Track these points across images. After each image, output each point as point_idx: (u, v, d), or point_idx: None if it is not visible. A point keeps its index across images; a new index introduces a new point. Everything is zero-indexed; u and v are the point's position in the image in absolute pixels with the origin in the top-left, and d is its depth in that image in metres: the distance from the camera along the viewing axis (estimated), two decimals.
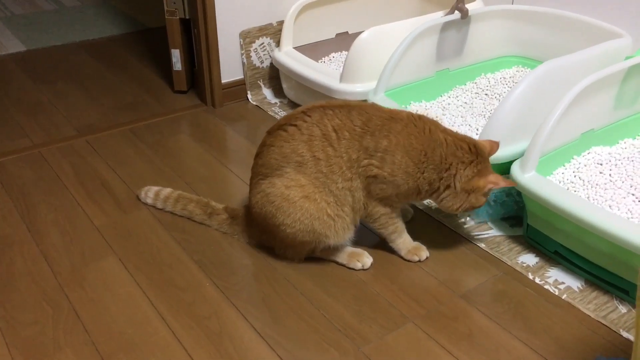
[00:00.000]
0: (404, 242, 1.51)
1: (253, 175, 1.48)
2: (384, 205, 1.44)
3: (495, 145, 1.45)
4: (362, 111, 1.41)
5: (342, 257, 1.49)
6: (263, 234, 1.51)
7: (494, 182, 1.40)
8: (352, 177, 1.39)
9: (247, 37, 2.29)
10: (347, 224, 1.44)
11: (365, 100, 1.91)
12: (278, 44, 2.33)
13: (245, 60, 2.31)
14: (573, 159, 1.62)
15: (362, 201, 1.42)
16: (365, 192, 1.41)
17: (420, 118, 1.42)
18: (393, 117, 1.40)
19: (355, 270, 1.48)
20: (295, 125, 1.41)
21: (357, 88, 1.98)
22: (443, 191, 1.41)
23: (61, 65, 2.69)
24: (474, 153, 1.39)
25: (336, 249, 1.48)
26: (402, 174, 1.38)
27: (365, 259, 1.49)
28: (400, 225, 1.49)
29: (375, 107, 1.44)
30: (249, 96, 2.36)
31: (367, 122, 1.39)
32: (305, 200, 1.39)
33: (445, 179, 1.39)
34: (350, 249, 1.50)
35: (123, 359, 1.25)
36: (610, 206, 1.46)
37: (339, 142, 1.38)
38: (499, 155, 1.56)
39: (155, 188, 1.71)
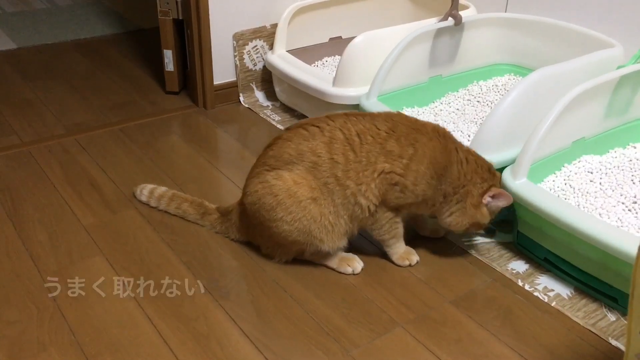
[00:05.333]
0: (398, 247, 1.51)
1: (258, 165, 1.46)
2: (392, 210, 1.44)
3: (500, 175, 1.49)
4: (387, 118, 1.43)
5: (332, 261, 1.48)
6: (252, 228, 1.49)
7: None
8: (367, 182, 1.38)
9: (241, 39, 2.28)
10: (343, 232, 1.44)
11: (357, 105, 1.92)
12: (271, 46, 2.32)
13: (238, 63, 2.31)
14: (564, 166, 1.62)
15: (374, 209, 1.42)
16: (380, 199, 1.41)
17: (445, 135, 1.44)
18: (419, 129, 1.42)
19: (346, 274, 1.47)
20: (317, 127, 1.41)
21: (349, 92, 1.98)
22: (454, 205, 1.43)
23: (52, 64, 2.67)
24: (492, 173, 1.44)
25: (327, 253, 1.47)
26: (424, 185, 1.40)
27: (356, 263, 1.48)
28: (400, 230, 1.49)
29: (402, 116, 1.46)
30: (241, 98, 2.35)
31: (393, 127, 1.41)
32: (312, 202, 1.38)
33: (460, 195, 1.42)
34: (341, 254, 1.49)
35: None
36: (600, 214, 1.47)
37: (361, 146, 1.38)
38: (491, 162, 1.56)
39: (150, 186, 1.70)
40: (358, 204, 1.40)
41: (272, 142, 1.46)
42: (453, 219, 1.44)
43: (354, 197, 1.39)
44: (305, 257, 1.48)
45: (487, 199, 1.42)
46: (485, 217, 1.44)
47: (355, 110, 1.57)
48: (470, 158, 1.43)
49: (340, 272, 1.47)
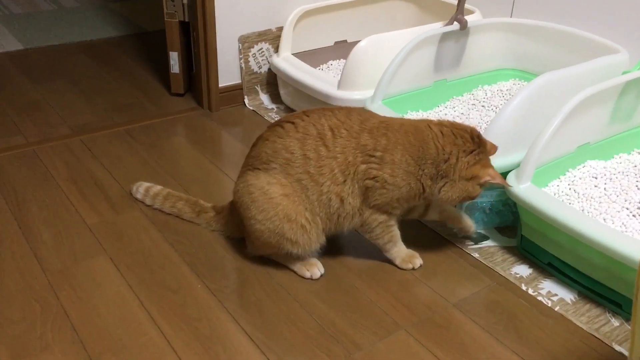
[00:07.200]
0: (398, 250, 1.50)
1: (244, 164, 1.48)
2: (382, 213, 1.42)
3: (493, 148, 1.45)
4: (361, 111, 1.43)
5: (294, 265, 1.47)
6: (241, 223, 1.49)
7: (492, 175, 1.39)
8: (345, 181, 1.37)
9: (246, 42, 2.29)
10: (319, 233, 1.42)
11: (362, 108, 1.92)
12: (277, 49, 2.33)
13: (243, 65, 2.31)
14: (568, 171, 1.62)
15: (358, 207, 1.41)
16: (363, 198, 1.40)
17: (416, 119, 1.42)
18: (390, 118, 1.42)
19: (304, 278, 1.46)
20: (292, 123, 1.40)
21: (354, 95, 1.98)
22: (441, 180, 1.38)
23: (58, 65, 2.68)
24: (477, 143, 1.39)
25: (298, 258, 1.45)
26: (402, 174, 1.36)
27: (316, 269, 1.46)
28: (396, 233, 1.48)
29: (373, 112, 1.45)
30: (246, 101, 2.36)
31: (364, 120, 1.39)
32: (285, 198, 1.37)
33: (444, 170, 1.37)
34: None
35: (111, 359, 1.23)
36: (604, 219, 1.46)
37: (334, 140, 1.37)
38: (496, 166, 1.56)
39: (146, 184, 1.71)
40: (343, 203, 1.38)
41: (255, 142, 1.47)
42: (443, 194, 1.39)
43: (332, 195, 1.37)
44: (272, 257, 1.48)
45: (486, 177, 1.38)
46: (476, 190, 1.40)
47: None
48: (446, 130, 1.37)
49: (299, 276, 1.46)
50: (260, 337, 1.30)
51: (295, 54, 2.27)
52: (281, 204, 1.37)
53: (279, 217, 1.37)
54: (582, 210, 1.50)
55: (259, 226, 1.40)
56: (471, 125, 1.42)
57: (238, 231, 1.54)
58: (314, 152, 1.36)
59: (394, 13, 2.50)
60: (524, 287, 1.45)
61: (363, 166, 1.36)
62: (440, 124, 1.40)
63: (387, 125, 1.39)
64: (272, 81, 2.38)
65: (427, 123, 1.40)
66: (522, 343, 1.30)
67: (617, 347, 1.29)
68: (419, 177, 1.38)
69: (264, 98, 2.39)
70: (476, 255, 1.55)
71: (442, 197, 1.40)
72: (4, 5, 3.45)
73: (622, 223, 1.45)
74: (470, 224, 1.57)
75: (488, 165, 1.41)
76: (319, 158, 1.36)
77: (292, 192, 1.38)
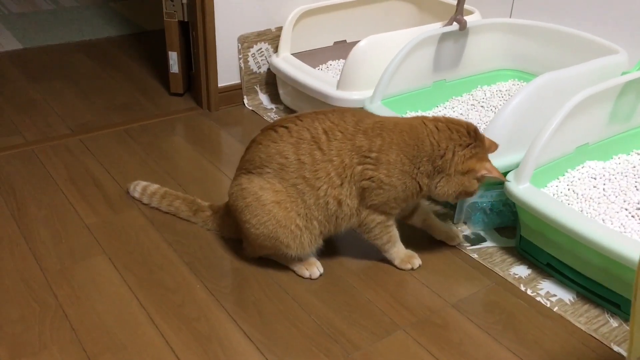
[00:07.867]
0: (397, 251, 1.49)
1: (238, 168, 1.48)
2: (380, 213, 1.42)
3: (493, 145, 1.44)
4: (355, 112, 1.42)
5: (294, 264, 1.47)
6: (236, 225, 1.50)
7: (489, 169, 1.38)
8: (342, 184, 1.37)
9: (245, 42, 2.29)
10: (315, 237, 1.42)
11: (361, 108, 1.92)
12: (276, 49, 2.33)
13: (242, 65, 2.31)
14: (567, 172, 1.62)
15: (355, 208, 1.41)
16: (359, 199, 1.40)
17: (409, 117, 1.41)
18: (385, 117, 1.41)
19: (304, 278, 1.46)
20: (285, 127, 1.40)
21: (353, 95, 1.98)
22: (437, 176, 1.38)
23: (57, 65, 2.68)
24: (473, 137, 1.38)
25: (294, 259, 1.46)
26: (398, 173, 1.36)
27: (315, 269, 1.46)
28: (394, 234, 1.48)
29: (368, 112, 1.44)
30: (245, 101, 2.36)
31: (359, 121, 1.39)
32: (276, 205, 1.37)
33: (440, 165, 1.37)
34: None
35: (110, 359, 1.23)
36: (603, 220, 1.46)
37: (329, 144, 1.36)
38: (495, 166, 1.56)
39: (143, 183, 1.71)
40: (340, 206, 1.38)
41: (249, 146, 1.46)
42: (439, 189, 1.39)
43: (330, 198, 1.37)
44: (271, 257, 1.48)
45: (482, 171, 1.37)
46: (473, 185, 1.39)
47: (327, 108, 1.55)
48: (441, 125, 1.37)
49: (298, 275, 1.46)
50: (258, 336, 1.30)
51: (295, 54, 2.27)
52: (272, 210, 1.37)
53: (272, 223, 1.38)
54: (581, 210, 1.50)
55: (253, 230, 1.40)
56: (468, 122, 1.41)
57: (233, 232, 1.54)
58: (309, 157, 1.36)
59: (393, 13, 2.50)
60: (522, 288, 1.45)
61: (359, 167, 1.36)
62: (436, 119, 1.40)
63: (382, 126, 1.38)
64: (272, 81, 2.38)
65: (422, 120, 1.40)
66: (520, 343, 1.30)
67: (616, 348, 1.29)
68: (414, 175, 1.38)
69: (263, 98, 2.39)
70: (475, 255, 1.55)
71: (438, 193, 1.40)
72: (3, 4, 3.45)
73: (621, 223, 1.45)
74: (456, 233, 1.58)
75: (485, 159, 1.40)
76: (314, 162, 1.36)
77: (285, 198, 1.38)
